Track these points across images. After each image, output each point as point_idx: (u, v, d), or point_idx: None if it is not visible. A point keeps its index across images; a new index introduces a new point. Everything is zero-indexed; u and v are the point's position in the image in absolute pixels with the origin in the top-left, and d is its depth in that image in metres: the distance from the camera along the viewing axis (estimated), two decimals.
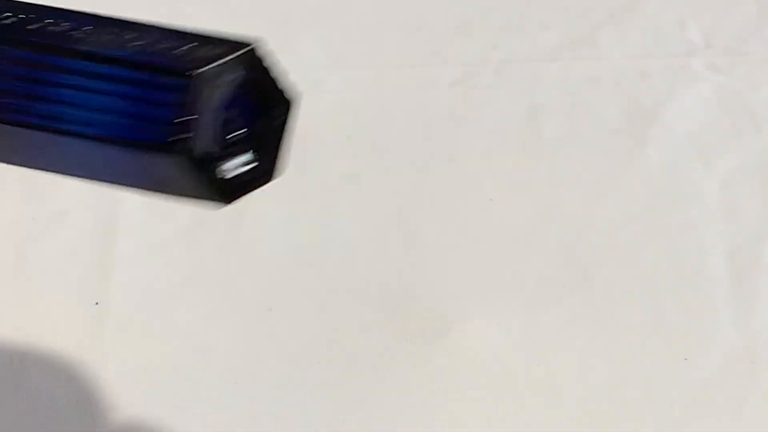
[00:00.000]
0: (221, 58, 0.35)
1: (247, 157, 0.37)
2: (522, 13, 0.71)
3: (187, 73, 0.35)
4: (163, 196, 0.37)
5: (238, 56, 0.36)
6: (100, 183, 0.39)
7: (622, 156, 0.65)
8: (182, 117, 0.35)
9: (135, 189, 0.37)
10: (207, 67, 0.35)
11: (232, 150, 0.36)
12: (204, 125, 0.35)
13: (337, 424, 0.56)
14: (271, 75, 0.37)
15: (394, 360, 0.57)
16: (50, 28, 0.37)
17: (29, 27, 0.37)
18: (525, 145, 0.66)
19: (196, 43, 0.37)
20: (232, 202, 0.36)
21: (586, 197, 0.64)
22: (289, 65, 0.70)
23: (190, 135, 0.35)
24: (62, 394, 0.56)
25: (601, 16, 0.70)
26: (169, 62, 0.36)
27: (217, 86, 0.35)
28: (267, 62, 0.37)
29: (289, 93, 0.37)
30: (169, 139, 0.35)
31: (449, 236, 0.62)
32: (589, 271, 0.61)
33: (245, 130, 0.37)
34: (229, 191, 0.36)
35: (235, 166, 0.37)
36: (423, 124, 0.67)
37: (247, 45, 0.36)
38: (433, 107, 0.67)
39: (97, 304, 0.59)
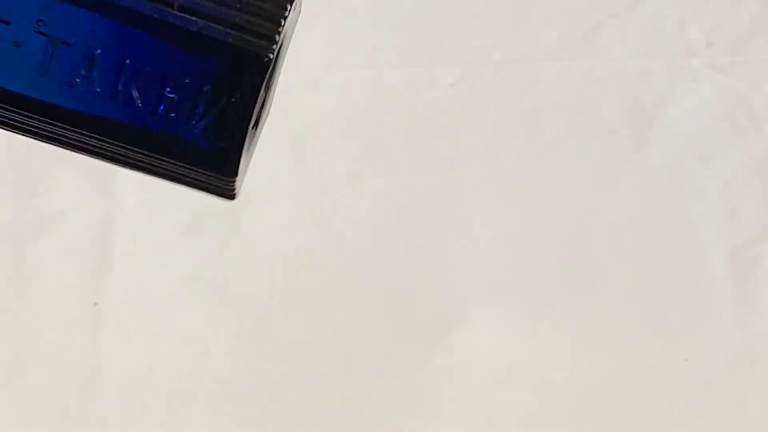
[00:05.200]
0: None
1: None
2: (522, 13, 0.70)
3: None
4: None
5: None
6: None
7: (622, 156, 0.65)
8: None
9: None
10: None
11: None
12: None
13: (337, 424, 0.56)
14: None
15: (394, 360, 0.57)
16: None
17: None
18: (525, 145, 0.66)
19: None
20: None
21: (586, 197, 0.64)
22: (289, 65, 0.70)
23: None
24: (61, 395, 0.56)
25: (602, 15, 0.70)
26: None
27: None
28: None
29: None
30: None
31: (449, 236, 0.62)
32: (589, 271, 0.61)
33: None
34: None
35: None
36: (423, 124, 0.66)
37: None
38: (433, 107, 0.67)
39: (95, 304, 0.59)
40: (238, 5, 0.32)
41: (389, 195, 0.64)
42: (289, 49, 0.75)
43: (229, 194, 0.34)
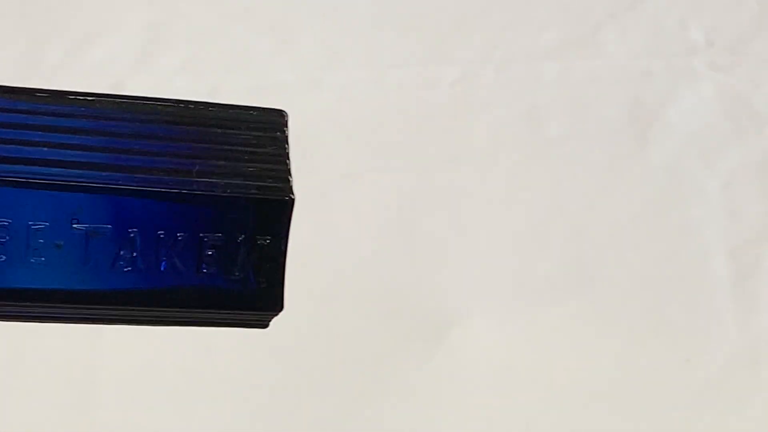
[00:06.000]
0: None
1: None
2: (522, 13, 0.70)
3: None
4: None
5: None
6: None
7: (622, 156, 0.65)
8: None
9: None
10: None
11: None
12: None
13: (338, 424, 0.56)
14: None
15: (394, 360, 0.57)
16: None
17: None
18: (525, 145, 0.65)
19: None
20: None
21: (586, 197, 0.64)
22: (289, 65, 0.70)
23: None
24: (62, 394, 0.56)
25: (602, 15, 0.70)
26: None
27: None
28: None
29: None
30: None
31: (449, 236, 0.62)
32: (590, 271, 0.61)
33: None
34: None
35: None
36: (423, 124, 0.66)
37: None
38: (433, 107, 0.67)
39: None
40: (246, 157, 0.34)
41: (389, 195, 0.64)
42: (288, 49, 0.75)
43: (265, 325, 0.37)
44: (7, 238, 0.33)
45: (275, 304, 0.36)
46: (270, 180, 0.34)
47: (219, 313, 0.35)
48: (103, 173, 0.34)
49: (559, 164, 0.65)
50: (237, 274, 0.34)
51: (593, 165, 0.65)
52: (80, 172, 0.33)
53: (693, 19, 0.70)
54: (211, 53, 0.67)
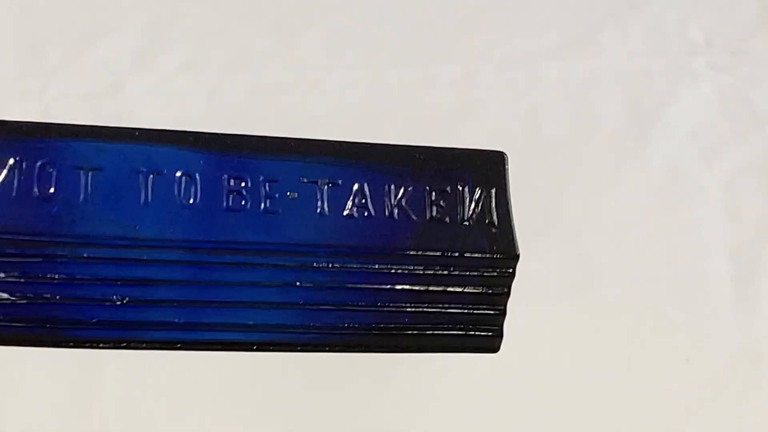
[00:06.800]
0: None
1: None
2: (522, 13, 0.70)
3: None
4: None
5: None
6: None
7: (623, 156, 0.65)
8: None
9: None
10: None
11: None
12: None
13: (337, 424, 0.56)
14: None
15: (394, 360, 0.57)
16: None
17: None
18: (525, 145, 0.65)
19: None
20: None
21: (586, 197, 0.63)
22: (289, 65, 0.70)
23: None
24: (62, 394, 0.56)
25: (602, 15, 0.70)
26: None
27: None
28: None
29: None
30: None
31: None
32: (590, 271, 0.61)
33: None
34: None
35: None
36: (423, 124, 0.66)
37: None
38: (433, 107, 0.67)
39: None
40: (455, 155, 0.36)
41: None
42: (288, 49, 0.75)
43: (507, 284, 0.39)
44: (245, 199, 0.33)
45: (511, 248, 0.37)
46: (483, 152, 0.35)
47: (457, 257, 0.35)
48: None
49: (559, 164, 0.65)
50: (467, 220, 0.35)
51: (593, 165, 0.65)
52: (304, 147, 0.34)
53: (693, 19, 0.70)
54: (211, 53, 0.67)
